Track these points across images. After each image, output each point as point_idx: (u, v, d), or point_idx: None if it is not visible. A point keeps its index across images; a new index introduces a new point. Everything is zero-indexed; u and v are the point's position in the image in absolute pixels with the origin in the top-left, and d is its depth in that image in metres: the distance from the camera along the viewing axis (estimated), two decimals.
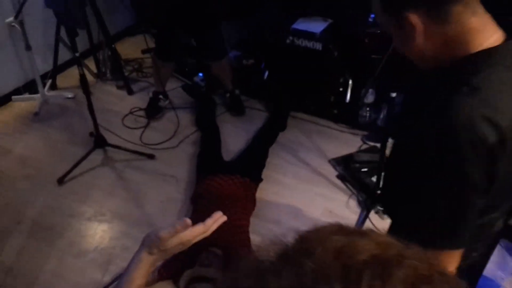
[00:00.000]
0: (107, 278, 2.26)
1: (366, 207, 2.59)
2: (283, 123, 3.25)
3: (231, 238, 2.25)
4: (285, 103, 3.38)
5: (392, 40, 1.05)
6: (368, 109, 3.19)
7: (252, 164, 2.80)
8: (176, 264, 2.15)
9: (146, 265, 1.05)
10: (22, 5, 2.95)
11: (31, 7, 3.17)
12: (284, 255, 0.46)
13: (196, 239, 1.08)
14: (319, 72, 3.22)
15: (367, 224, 2.51)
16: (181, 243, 1.06)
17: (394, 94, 2.18)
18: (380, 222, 2.53)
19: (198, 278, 2.02)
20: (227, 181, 2.51)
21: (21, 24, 3.17)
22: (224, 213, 2.31)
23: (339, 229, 0.48)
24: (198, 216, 2.33)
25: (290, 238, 0.48)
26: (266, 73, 3.44)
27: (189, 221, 1.05)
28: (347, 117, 3.25)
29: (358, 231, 0.47)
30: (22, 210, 2.63)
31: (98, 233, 2.52)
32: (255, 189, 2.63)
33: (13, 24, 3.25)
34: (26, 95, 3.55)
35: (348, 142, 3.10)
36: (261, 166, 2.82)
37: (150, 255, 1.05)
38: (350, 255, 0.42)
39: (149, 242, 1.05)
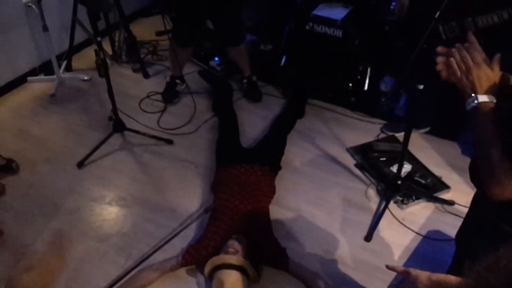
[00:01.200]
0: (129, 263, 2.28)
1: (385, 197, 2.60)
2: (301, 110, 3.24)
3: (254, 225, 2.28)
4: (303, 90, 3.37)
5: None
6: (386, 97, 3.18)
7: (271, 152, 2.81)
8: (201, 251, 2.17)
9: None
10: None
11: None
12: None
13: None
14: (338, 59, 3.20)
15: (386, 214, 2.53)
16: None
17: (421, 86, 2.16)
18: (399, 212, 2.56)
19: (222, 265, 2.05)
20: (247, 170, 2.52)
21: (38, 4, 3.13)
22: (246, 200, 2.35)
23: None
24: (220, 204, 2.37)
25: None
26: (284, 59, 3.42)
27: None
28: (365, 105, 3.25)
29: None
30: (45, 193, 2.64)
31: (120, 217, 2.54)
32: (274, 177, 2.64)
33: (29, 4, 3.21)
34: (42, 76, 3.53)
35: (366, 131, 3.11)
36: (280, 154, 2.83)
37: None
38: None
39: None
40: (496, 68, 1.23)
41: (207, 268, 2.09)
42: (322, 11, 3.15)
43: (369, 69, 3.23)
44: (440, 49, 1.31)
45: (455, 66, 1.24)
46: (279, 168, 2.74)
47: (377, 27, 3.19)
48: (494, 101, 1.21)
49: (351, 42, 3.09)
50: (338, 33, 3.09)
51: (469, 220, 1.62)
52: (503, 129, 1.16)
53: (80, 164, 2.80)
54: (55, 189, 2.68)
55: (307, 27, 3.17)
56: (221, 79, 3.51)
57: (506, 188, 1.14)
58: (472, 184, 1.45)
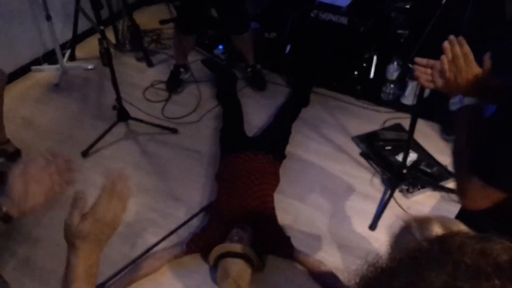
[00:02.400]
0: (135, 252, 2.29)
1: (390, 186, 2.59)
2: (306, 98, 3.22)
3: (260, 214, 2.28)
4: (308, 78, 3.34)
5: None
6: (392, 85, 3.15)
7: (275, 141, 2.80)
8: (206, 239, 2.18)
9: (84, 251, 0.97)
10: None
11: None
12: (427, 254, 0.53)
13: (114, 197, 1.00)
14: (343, 47, 3.16)
15: (391, 203, 2.52)
16: (100, 212, 0.98)
17: None
18: (404, 201, 2.55)
19: (227, 253, 2.05)
20: (252, 158, 2.51)
21: None
22: (251, 189, 2.34)
23: (467, 235, 0.56)
24: (225, 193, 2.37)
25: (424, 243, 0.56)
26: (288, 47, 3.38)
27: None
28: (370, 93, 3.22)
29: (483, 237, 0.55)
30: None
31: None
32: (279, 166, 2.63)
33: None
34: (46, 66, 3.53)
35: (371, 119, 3.08)
36: (285, 142, 2.82)
37: (79, 244, 0.96)
38: (496, 256, 0.51)
39: (67, 239, 0.97)
40: (486, 69, 1.19)
41: (212, 256, 2.09)
42: None
43: (375, 57, 3.19)
44: (419, 60, 1.27)
45: (446, 66, 1.18)
46: (284, 156, 2.73)
47: (382, 14, 3.15)
48: (481, 103, 1.17)
49: (356, 30, 3.06)
50: (343, 20, 3.05)
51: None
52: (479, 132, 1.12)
53: (85, 153, 2.80)
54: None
55: (312, 15, 3.13)
56: (225, 67, 3.49)
57: (477, 201, 1.11)
58: None
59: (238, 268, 2.00)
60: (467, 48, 1.17)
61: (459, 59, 1.16)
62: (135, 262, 2.19)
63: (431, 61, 1.24)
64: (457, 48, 1.16)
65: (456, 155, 1.17)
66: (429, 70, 1.23)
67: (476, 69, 1.17)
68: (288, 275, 2.18)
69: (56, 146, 2.89)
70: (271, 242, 2.20)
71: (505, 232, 1.18)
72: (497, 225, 1.26)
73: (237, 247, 2.05)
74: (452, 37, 1.19)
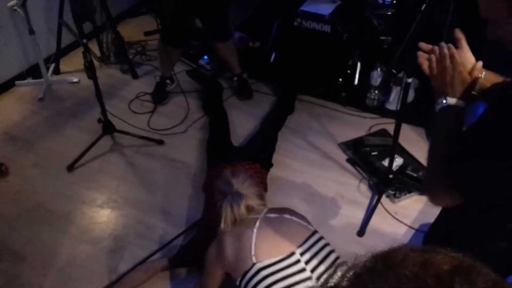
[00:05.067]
0: (122, 265, 2.27)
1: (377, 191, 2.59)
2: (291, 106, 3.23)
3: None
4: (292, 86, 3.35)
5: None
6: (376, 91, 3.17)
7: (262, 150, 2.79)
8: (193, 252, 2.16)
9: None
10: None
11: None
12: (371, 270, 0.54)
13: None
14: (327, 54, 3.19)
15: (379, 209, 2.52)
16: None
17: (409, 80, 2.15)
18: (391, 206, 2.55)
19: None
20: (238, 168, 2.50)
21: (24, 7, 3.10)
22: None
23: (411, 248, 0.56)
24: (212, 204, 2.35)
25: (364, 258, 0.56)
26: (273, 56, 3.40)
27: None
28: (355, 100, 3.24)
29: (428, 248, 0.55)
30: (34, 198, 2.62)
31: (111, 220, 2.52)
32: (266, 174, 2.63)
33: (15, 8, 3.18)
34: (30, 80, 3.50)
35: (357, 125, 3.10)
36: (271, 151, 2.82)
37: None
38: (436, 267, 0.51)
39: None
40: (476, 73, 1.19)
41: None
42: (309, 7, 3.14)
43: (358, 64, 3.21)
44: (423, 45, 1.28)
45: (433, 64, 1.21)
46: (271, 165, 2.72)
47: (365, 21, 3.18)
48: (463, 106, 1.17)
49: (339, 37, 3.08)
50: (326, 28, 3.07)
51: (433, 227, 1.59)
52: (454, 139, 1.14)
53: (70, 168, 2.78)
54: (44, 193, 2.65)
55: (295, 23, 3.16)
56: (210, 78, 3.49)
57: (440, 201, 1.16)
58: None
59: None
60: (454, 50, 1.19)
61: (445, 60, 1.18)
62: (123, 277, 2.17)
63: (435, 47, 1.25)
64: (445, 50, 1.19)
65: (432, 153, 1.17)
66: (432, 57, 1.23)
67: (463, 72, 1.18)
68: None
69: (40, 161, 2.86)
70: None
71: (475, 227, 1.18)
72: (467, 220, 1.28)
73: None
74: (442, 43, 1.22)
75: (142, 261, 2.24)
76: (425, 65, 1.25)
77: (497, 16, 1.00)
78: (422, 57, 1.26)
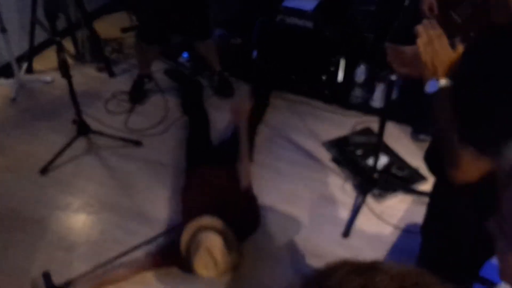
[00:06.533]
0: (98, 272, 2.17)
1: (362, 191, 2.54)
2: (266, 99, 3.15)
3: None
4: (267, 79, 3.27)
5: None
6: (360, 89, 3.12)
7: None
8: (174, 252, 2.09)
9: None
10: None
11: None
12: None
13: None
14: (310, 51, 3.12)
15: (364, 209, 2.47)
16: None
17: (393, 77, 2.10)
18: (377, 206, 2.51)
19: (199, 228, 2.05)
20: (218, 172, 2.42)
21: None
22: (217, 209, 2.24)
23: (350, 268, 0.51)
24: (188, 209, 2.27)
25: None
26: (255, 53, 3.32)
27: None
28: (339, 97, 3.18)
29: (368, 266, 0.50)
30: (5, 203, 2.50)
31: (87, 225, 2.42)
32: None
33: None
34: (2, 80, 3.35)
35: (341, 124, 3.04)
36: (251, 146, 2.74)
37: None
38: None
39: None
40: (459, 50, 1.22)
41: (183, 241, 2.04)
42: (292, 2, 3.07)
43: (342, 60, 3.16)
44: (390, 46, 1.33)
45: (422, 49, 1.19)
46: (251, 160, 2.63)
47: (348, 17, 3.12)
48: (452, 84, 1.19)
49: (322, 33, 3.02)
50: (309, 24, 3.01)
51: (431, 212, 1.60)
52: (458, 111, 1.16)
53: (44, 171, 2.66)
54: (17, 198, 2.53)
55: (278, 19, 3.08)
56: (189, 77, 3.38)
57: (469, 171, 1.14)
58: None
59: (211, 238, 1.96)
60: (440, 30, 1.19)
61: (434, 41, 1.18)
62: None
63: (401, 48, 1.28)
64: (431, 31, 1.19)
65: (442, 133, 1.20)
66: (402, 55, 1.25)
67: (450, 52, 1.20)
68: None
69: (13, 163, 2.73)
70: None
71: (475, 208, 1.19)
72: (467, 202, 1.29)
73: (207, 220, 2.06)
74: (425, 21, 1.21)
75: (119, 256, 2.16)
76: (395, 63, 1.31)
77: None
78: (390, 55, 1.32)
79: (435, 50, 1.18)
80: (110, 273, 2.13)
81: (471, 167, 1.13)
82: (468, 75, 1.17)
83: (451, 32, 1.30)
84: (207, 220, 2.07)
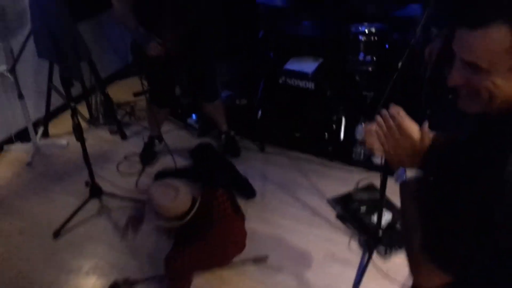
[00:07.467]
0: None
1: (368, 249, 2.56)
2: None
3: None
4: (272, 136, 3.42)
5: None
6: (361, 146, 3.21)
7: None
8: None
9: None
10: (17, 58, 2.95)
11: (23, 54, 3.14)
12: None
13: None
14: (312, 110, 3.25)
15: (371, 266, 2.48)
16: None
17: None
18: (383, 263, 2.51)
19: None
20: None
21: (13, 72, 3.15)
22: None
23: None
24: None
25: None
26: (260, 113, 3.45)
27: None
28: (342, 154, 3.26)
29: None
30: (19, 266, 2.56)
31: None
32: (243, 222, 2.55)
33: (4, 73, 3.24)
34: (18, 144, 3.51)
35: (345, 180, 3.10)
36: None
37: None
38: None
39: None
40: (425, 137, 1.15)
41: None
42: (293, 65, 3.23)
43: (343, 119, 3.27)
44: (367, 128, 1.25)
45: (382, 140, 1.16)
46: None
47: (347, 77, 3.26)
48: (422, 175, 1.14)
49: (323, 93, 3.15)
50: (310, 85, 3.15)
51: None
52: (425, 207, 1.05)
53: (56, 234, 2.74)
54: (29, 262, 2.59)
55: (280, 81, 3.23)
56: (198, 148, 3.39)
57: (431, 281, 1.01)
58: None
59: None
60: (400, 119, 1.14)
61: (394, 132, 1.14)
62: None
63: (378, 120, 1.19)
64: (390, 121, 1.14)
65: (405, 232, 1.10)
66: (380, 132, 1.18)
67: (413, 140, 1.14)
68: None
69: (27, 227, 2.82)
70: None
71: None
72: None
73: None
74: (384, 111, 1.17)
75: None
76: (376, 145, 1.20)
77: (496, 67, 0.88)
78: (369, 137, 1.22)
79: (395, 139, 1.13)
80: None
81: (432, 278, 1.00)
82: (432, 171, 1.08)
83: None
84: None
